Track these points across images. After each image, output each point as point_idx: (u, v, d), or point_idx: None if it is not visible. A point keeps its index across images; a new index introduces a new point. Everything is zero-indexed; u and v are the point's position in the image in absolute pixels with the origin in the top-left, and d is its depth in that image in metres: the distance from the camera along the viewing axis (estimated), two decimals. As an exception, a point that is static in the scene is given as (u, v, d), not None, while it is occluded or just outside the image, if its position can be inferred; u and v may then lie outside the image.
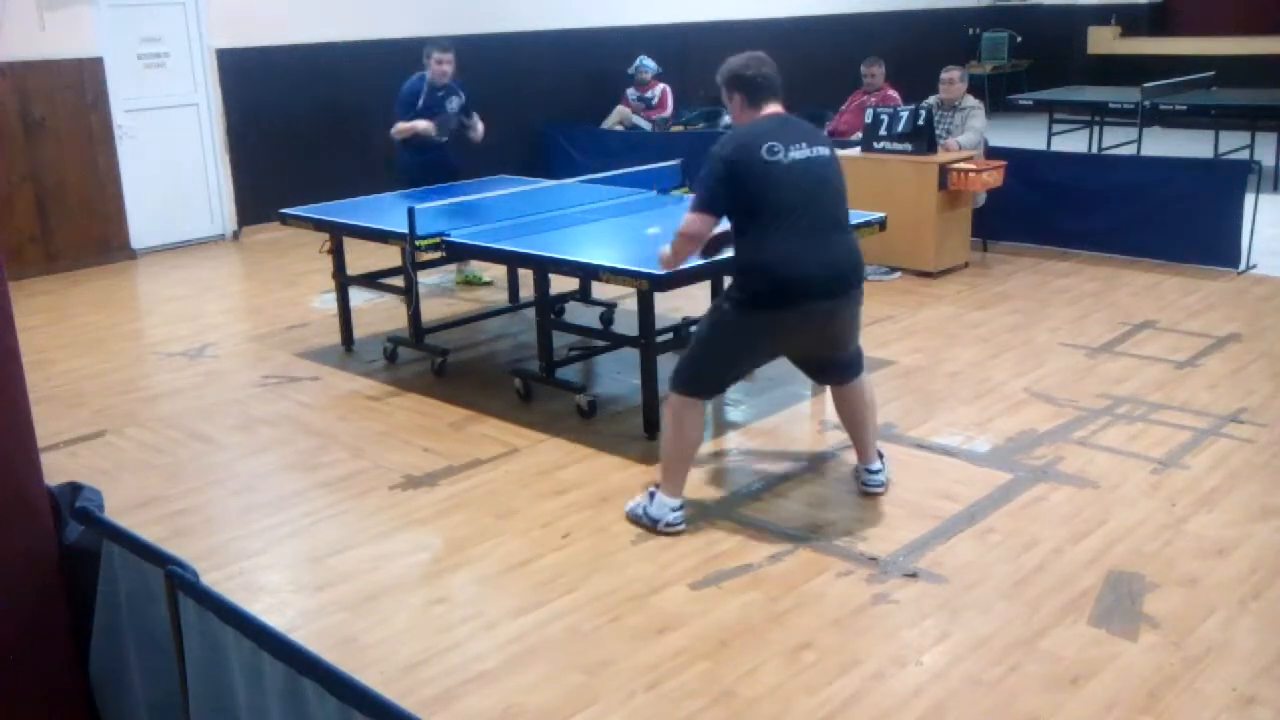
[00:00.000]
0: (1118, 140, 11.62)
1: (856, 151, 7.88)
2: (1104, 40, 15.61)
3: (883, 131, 7.67)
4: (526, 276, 6.41)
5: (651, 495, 4.13)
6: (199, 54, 9.27)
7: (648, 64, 11.25)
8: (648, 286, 4.66)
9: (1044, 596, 3.60)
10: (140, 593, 2.41)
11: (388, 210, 6.24)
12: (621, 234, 5.64)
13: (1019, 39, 16.19)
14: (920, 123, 7.49)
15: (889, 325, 6.49)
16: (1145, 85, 11.13)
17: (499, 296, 7.29)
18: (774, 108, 4.02)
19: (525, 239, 5.35)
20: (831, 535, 4.05)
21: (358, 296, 6.86)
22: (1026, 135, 11.63)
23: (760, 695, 3.14)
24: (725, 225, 4.07)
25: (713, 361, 4.08)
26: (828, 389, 5.39)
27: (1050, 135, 11.87)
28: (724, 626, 3.48)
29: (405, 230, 5.35)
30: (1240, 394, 5.27)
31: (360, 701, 1.82)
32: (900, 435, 4.92)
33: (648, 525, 4.11)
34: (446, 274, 7.72)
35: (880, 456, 4.41)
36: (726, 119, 11.79)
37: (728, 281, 5.90)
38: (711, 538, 4.06)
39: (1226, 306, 6.68)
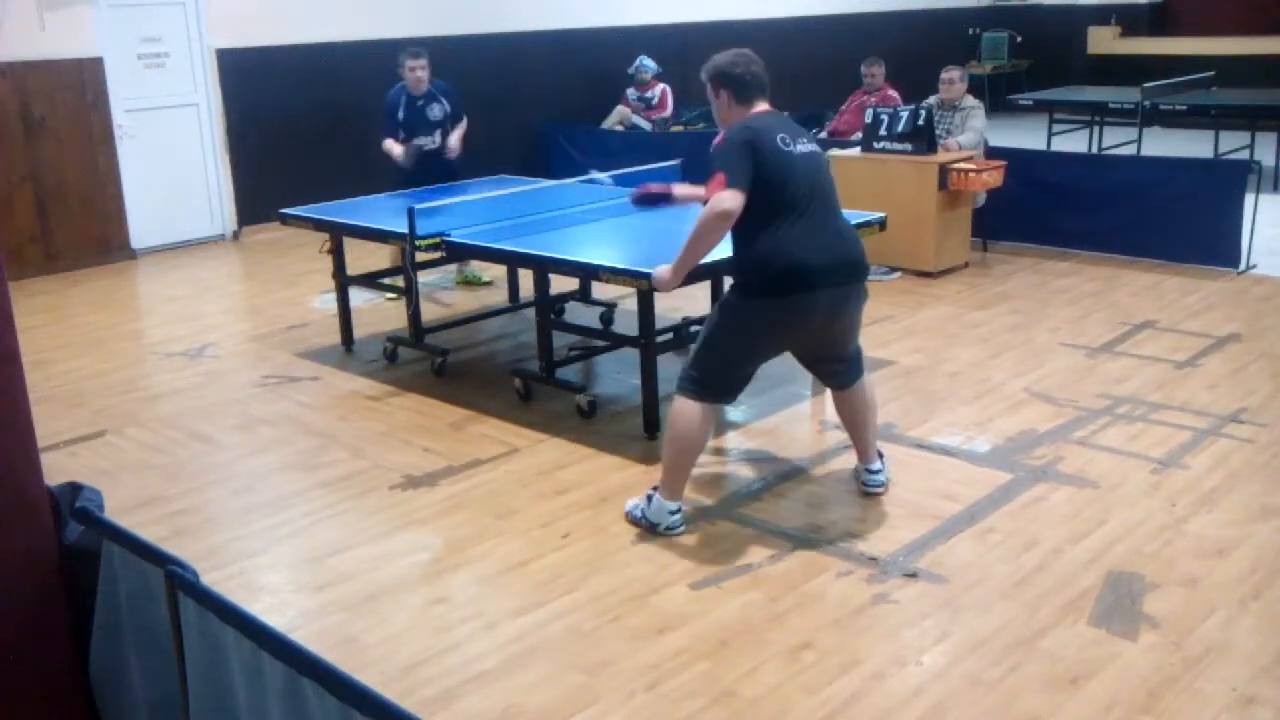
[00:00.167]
0: (1118, 140, 11.62)
1: (856, 151, 7.89)
2: (1104, 40, 15.61)
3: (883, 131, 7.67)
4: (526, 276, 6.41)
5: (650, 498, 4.13)
6: (199, 54, 9.27)
7: (648, 64, 11.25)
8: (648, 286, 4.66)
9: (1044, 596, 3.60)
10: (140, 593, 2.41)
11: (388, 210, 6.24)
12: (621, 234, 5.64)
13: (1019, 39, 16.19)
14: (920, 123, 7.49)
15: (889, 325, 6.49)
16: (1145, 85, 11.14)
17: (499, 296, 7.29)
18: (763, 106, 4.00)
19: (525, 239, 5.35)
20: (831, 535, 4.05)
21: (358, 296, 6.86)
22: (1026, 135, 11.64)
23: (760, 695, 3.14)
24: (675, 187, 4.04)
25: (721, 359, 4.02)
26: (827, 390, 5.41)
27: (1050, 135, 11.87)
28: (724, 626, 3.48)
29: (405, 230, 5.35)
30: (1240, 394, 5.27)
31: (360, 701, 1.82)
32: (900, 435, 4.92)
33: (646, 527, 4.10)
34: (446, 274, 7.72)
35: (880, 456, 4.41)
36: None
37: (728, 283, 5.92)
38: (711, 538, 4.06)
39: (1226, 306, 6.68)
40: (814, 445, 4.94)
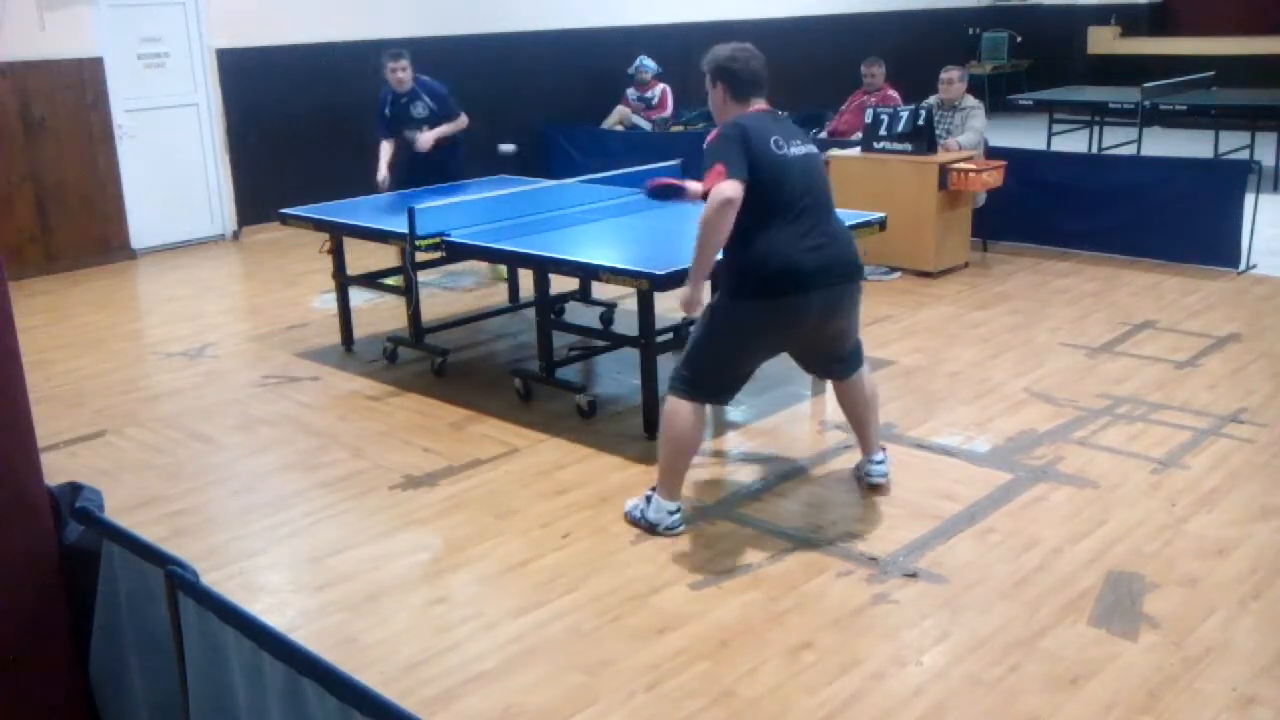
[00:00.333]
0: (1118, 140, 11.62)
1: (856, 151, 7.89)
2: (1104, 40, 15.61)
3: (883, 131, 7.67)
4: (526, 276, 6.41)
5: (648, 498, 4.13)
6: (199, 54, 9.27)
7: (648, 64, 11.25)
8: (648, 286, 4.66)
9: (1044, 596, 3.60)
10: (140, 593, 2.41)
11: (388, 210, 6.24)
12: (621, 234, 5.64)
13: (1019, 39, 16.19)
14: (920, 123, 7.49)
15: (889, 325, 6.49)
16: (1145, 85, 11.14)
17: (499, 297, 7.29)
18: (760, 104, 3.98)
19: (525, 239, 5.35)
20: (831, 535, 4.05)
21: (358, 296, 6.86)
22: (1026, 135, 11.64)
23: (760, 695, 3.14)
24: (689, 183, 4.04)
25: (713, 360, 4.00)
26: (828, 389, 5.40)
27: (1050, 135, 11.88)
28: (724, 626, 3.48)
29: (405, 230, 5.35)
30: (1240, 394, 5.27)
31: (360, 701, 1.82)
32: (900, 435, 4.92)
33: (645, 528, 4.10)
34: (447, 273, 7.72)
35: (882, 449, 4.41)
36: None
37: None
38: (711, 538, 4.06)
39: (1226, 306, 6.68)
40: (814, 445, 4.94)
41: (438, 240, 5.36)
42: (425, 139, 7.37)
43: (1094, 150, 11.69)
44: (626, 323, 6.15)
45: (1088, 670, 3.20)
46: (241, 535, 4.24)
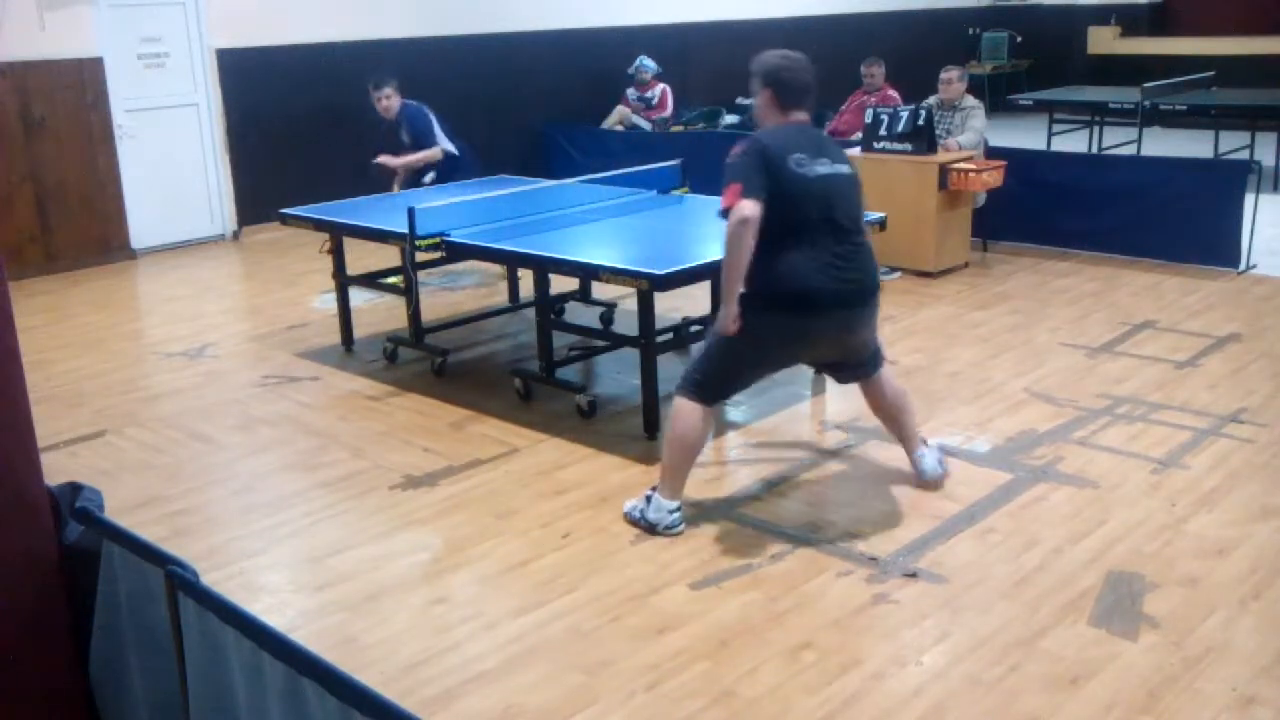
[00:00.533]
0: (1118, 140, 11.62)
1: (857, 151, 7.88)
2: (1104, 40, 15.61)
3: (883, 131, 7.67)
4: (526, 276, 6.42)
5: (648, 498, 4.13)
6: (199, 54, 9.27)
7: (648, 64, 11.25)
8: (648, 286, 4.66)
9: (1044, 596, 3.60)
10: (140, 593, 2.41)
11: (388, 210, 6.24)
12: (621, 234, 5.64)
13: (1019, 39, 16.19)
14: (920, 123, 7.49)
15: (889, 325, 6.49)
16: (1145, 85, 11.13)
17: (499, 297, 7.29)
18: (801, 116, 4.01)
19: (525, 239, 5.35)
20: (831, 535, 4.05)
21: (358, 296, 6.86)
22: (1026, 135, 11.63)
23: (760, 695, 3.14)
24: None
25: (725, 367, 4.03)
26: (828, 388, 5.41)
27: (1050, 135, 11.87)
28: (724, 626, 3.48)
29: (405, 230, 5.35)
30: (1240, 394, 5.27)
31: (360, 701, 1.82)
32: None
33: (645, 528, 4.10)
34: (447, 273, 7.72)
35: (924, 442, 4.43)
36: (727, 119, 11.81)
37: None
38: (711, 538, 4.06)
39: (1226, 306, 6.68)
40: (814, 445, 4.94)
41: (438, 240, 5.36)
42: (391, 161, 7.56)
43: (1094, 150, 11.68)
44: (626, 323, 6.15)
45: (1088, 670, 3.20)
46: (241, 535, 4.24)
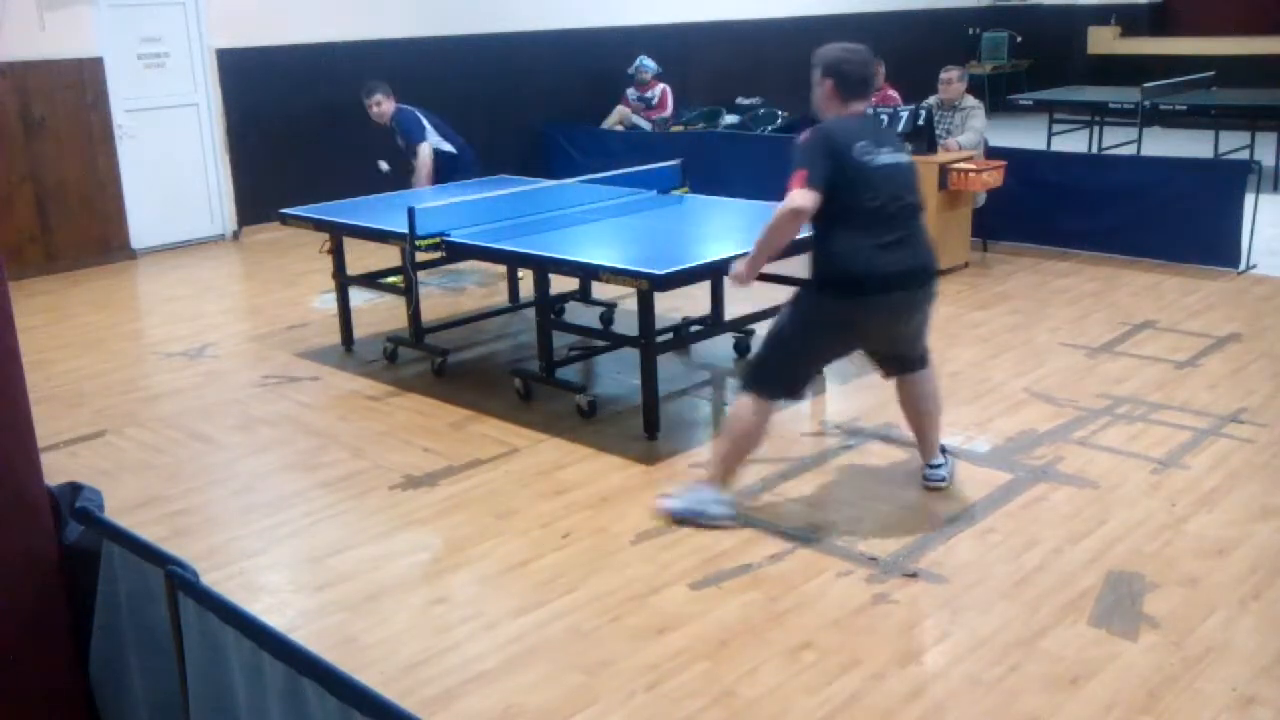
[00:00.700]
0: (1118, 140, 11.62)
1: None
2: (1104, 40, 15.61)
3: (883, 131, 7.66)
4: (527, 276, 6.41)
5: (697, 488, 4.14)
6: (199, 54, 9.27)
7: (648, 64, 11.25)
8: (648, 286, 4.66)
9: (1044, 596, 3.60)
10: (140, 593, 2.41)
11: (388, 210, 6.24)
12: (621, 234, 5.64)
13: (1019, 39, 16.18)
14: (920, 123, 7.48)
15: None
16: (1145, 85, 11.13)
17: (499, 297, 7.29)
18: (860, 107, 4.08)
19: (525, 239, 5.35)
20: (831, 535, 4.05)
21: (358, 296, 6.86)
22: (1026, 135, 11.63)
23: (760, 695, 3.14)
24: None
25: (792, 356, 4.09)
26: (828, 389, 5.41)
27: (1050, 135, 11.87)
28: (724, 626, 3.48)
29: (405, 230, 5.35)
30: (1240, 394, 5.27)
31: (360, 701, 1.82)
32: (901, 435, 4.91)
33: (692, 517, 4.11)
34: (447, 273, 7.72)
35: (944, 451, 4.44)
36: (727, 119, 11.81)
37: (724, 285, 5.91)
38: (711, 538, 4.05)
39: (1226, 306, 6.68)
40: (814, 445, 4.94)
41: (438, 240, 5.36)
42: (418, 179, 7.58)
43: (1094, 150, 11.68)
44: (626, 323, 6.15)
45: (1088, 670, 3.20)
46: (241, 535, 4.24)
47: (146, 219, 9.07)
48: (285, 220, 6.44)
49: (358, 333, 6.49)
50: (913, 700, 3.10)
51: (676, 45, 12.15)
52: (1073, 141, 11.87)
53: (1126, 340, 6.12)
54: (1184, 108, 11.14)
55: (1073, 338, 6.18)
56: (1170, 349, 5.94)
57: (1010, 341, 6.16)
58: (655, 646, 3.39)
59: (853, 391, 5.47)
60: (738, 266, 4.21)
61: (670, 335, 5.69)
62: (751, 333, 6.05)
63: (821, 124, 4.03)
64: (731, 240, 5.31)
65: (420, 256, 5.58)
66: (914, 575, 3.75)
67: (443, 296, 7.49)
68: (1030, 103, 12.23)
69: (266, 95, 9.58)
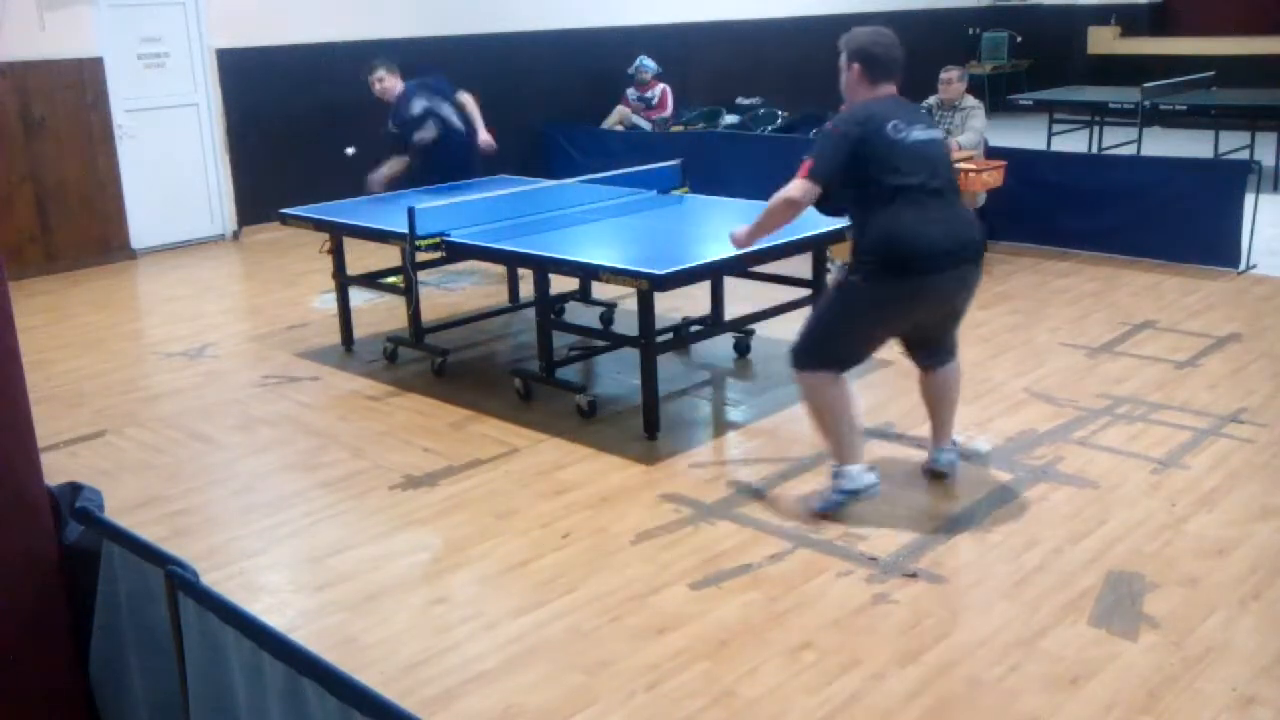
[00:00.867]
0: (1118, 140, 11.62)
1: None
2: (1104, 40, 15.61)
3: (883, 131, 7.65)
4: (526, 276, 6.41)
5: (837, 473, 4.13)
6: (199, 54, 9.27)
7: (648, 64, 11.25)
8: (648, 286, 4.66)
9: (1044, 596, 3.60)
10: (140, 593, 2.41)
11: (388, 210, 6.24)
12: (621, 234, 5.64)
13: (1019, 39, 16.18)
14: (920, 123, 7.48)
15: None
16: (1145, 85, 11.13)
17: (499, 297, 7.29)
18: (890, 89, 4.08)
19: (525, 239, 5.35)
20: (831, 535, 4.05)
21: (358, 296, 6.86)
22: (1026, 135, 11.63)
23: (760, 695, 3.14)
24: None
25: (842, 341, 4.08)
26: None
27: (1050, 135, 11.87)
28: (724, 626, 3.48)
29: (405, 230, 5.36)
30: (1240, 394, 5.27)
31: (360, 701, 1.82)
32: (901, 435, 4.92)
33: (845, 500, 4.11)
34: (447, 273, 7.72)
35: (954, 442, 4.47)
36: (727, 119, 11.81)
37: (722, 284, 5.90)
38: (711, 538, 4.06)
39: (1226, 306, 6.68)
40: (814, 445, 4.93)
41: (438, 240, 5.37)
42: (486, 139, 7.41)
43: (1094, 150, 11.68)
44: (626, 323, 6.15)
45: (1088, 670, 3.20)
46: (241, 535, 4.24)
47: (146, 219, 9.07)
48: (285, 220, 6.44)
49: (358, 333, 6.49)
50: (913, 700, 3.10)
51: (676, 45, 12.15)
52: (1073, 141, 11.87)
53: (1126, 340, 6.12)
54: (1184, 108, 11.14)
55: (1073, 338, 6.18)
56: (1170, 349, 5.94)
57: (1010, 341, 6.16)
58: (655, 646, 3.39)
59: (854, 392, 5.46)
60: (739, 231, 4.32)
61: (670, 335, 5.69)
62: (751, 333, 6.05)
63: (853, 108, 4.04)
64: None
65: (420, 256, 5.58)
66: (914, 575, 3.75)
67: (443, 296, 7.49)
68: (1030, 103, 12.23)
69: (266, 95, 9.58)
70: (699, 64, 12.53)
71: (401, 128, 7.29)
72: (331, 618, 3.63)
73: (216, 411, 5.52)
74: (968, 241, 4.01)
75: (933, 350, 4.32)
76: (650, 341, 4.90)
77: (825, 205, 4.12)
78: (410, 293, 5.93)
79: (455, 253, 5.49)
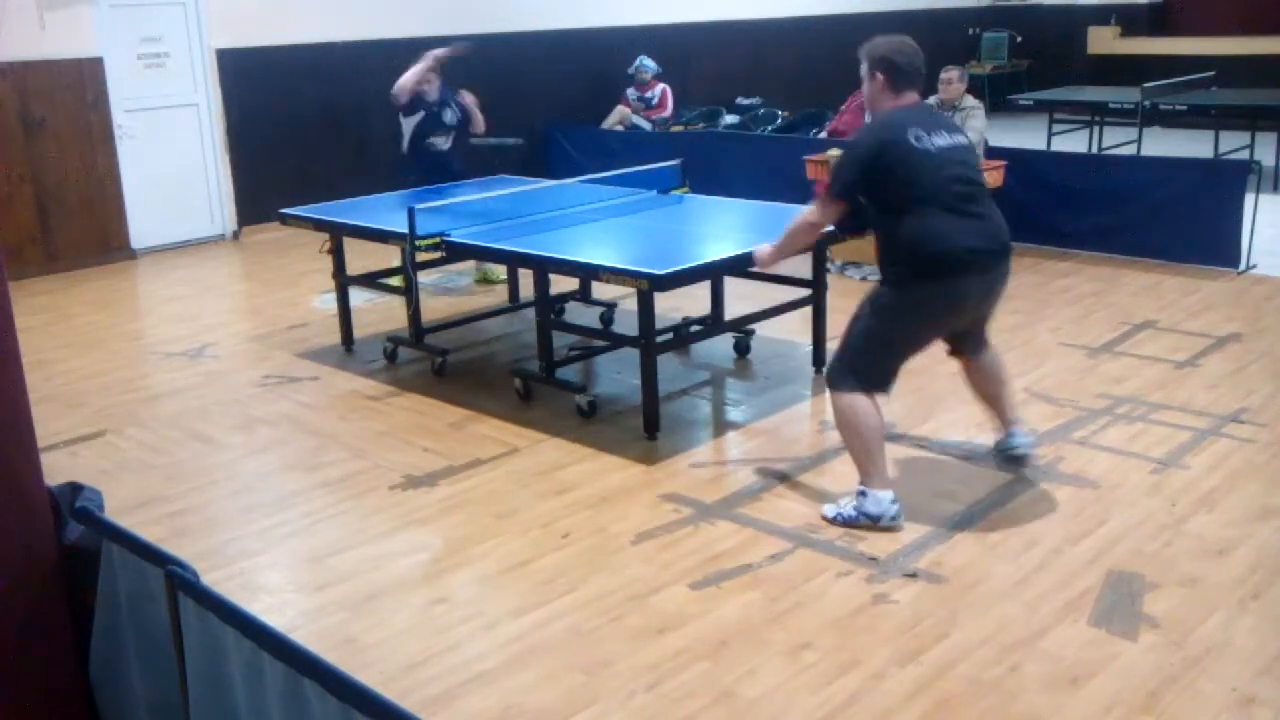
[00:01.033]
0: (1118, 140, 11.62)
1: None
2: (1104, 40, 15.61)
3: (883, 131, 7.65)
4: (526, 276, 6.41)
5: (863, 494, 4.08)
6: (199, 54, 9.27)
7: (648, 64, 11.25)
8: (648, 286, 4.66)
9: (1044, 596, 3.60)
10: (140, 593, 2.41)
11: (388, 210, 6.24)
12: (621, 234, 5.64)
13: (1019, 39, 16.19)
14: (920, 123, 7.47)
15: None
16: (1145, 85, 11.13)
17: (499, 297, 7.29)
18: (913, 97, 4.12)
19: (525, 239, 5.35)
20: (831, 535, 4.05)
21: (358, 296, 6.86)
22: (1026, 135, 11.63)
23: (760, 695, 3.14)
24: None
25: (885, 352, 4.07)
26: (827, 390, 5.41)
27: (1050, 135, 11.87)
28: (724, 626, 3.48)
29: (405, 230, 5.36)
30: (1240, 394, 5.27)
31: (360, 701, 1.82)
32: (901, 435, 4.92)
33: (866, 524, 4.06)
34: (447, 274, 7.72)
35: (1020, 423, 4.48)
36: (727, 119, 11.81)
37: (727, 281, 5.90)
38: (711, 538, 4.06)
39: (1226, 306, 6.67)
40: (814, 445, 4.94)
41: (438, 240, 5.37)
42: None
43: (1094, 150, 11.68)
44: (626, 323, 6.15)
45: (1088, 670, 3.20)
46: (241, 535, 4.24)
47: (146, 219, 9.07)
48: (285, 220, 6.44)
49: (358, 333, 6.49)
50: (913, 700, 3.10)
51: (676, 45, 12.15)
52: (1073, 141, 11.87)
53: (1126, 340, 6.12)
54: (1184, 108, 11.14)
55: (1073, 338, 6.18)
56: (1170, 349, 5.94)
57: (1010, 341, 6.16)
58: (655, 646, 3.39)
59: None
60: (762, 249, 4.40)
61: (670, 335, 5.70)
62: (751, 333, 6.05)
63: (871, 123, 4.09)
64: (731, 240, 5.32)
65: (420, 256, 5.58)
66: (914, 575, 3.75)
67: (443, 296, 7.49)
68: (1030, 103, 12.24)
69: (266, 95, 9.58)
70: (699, 64, 12.53)
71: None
72: (331, 618, 3.63)
73: (216, 411, 5.52)
74: (998, 239, 4.05)
75: (968, 345, 4.37)
76: (650, 341, 4.90)
77: (851, 221, 4.14)
78: (410, 293, 5.93)
79: (455, 253, 5.49)
